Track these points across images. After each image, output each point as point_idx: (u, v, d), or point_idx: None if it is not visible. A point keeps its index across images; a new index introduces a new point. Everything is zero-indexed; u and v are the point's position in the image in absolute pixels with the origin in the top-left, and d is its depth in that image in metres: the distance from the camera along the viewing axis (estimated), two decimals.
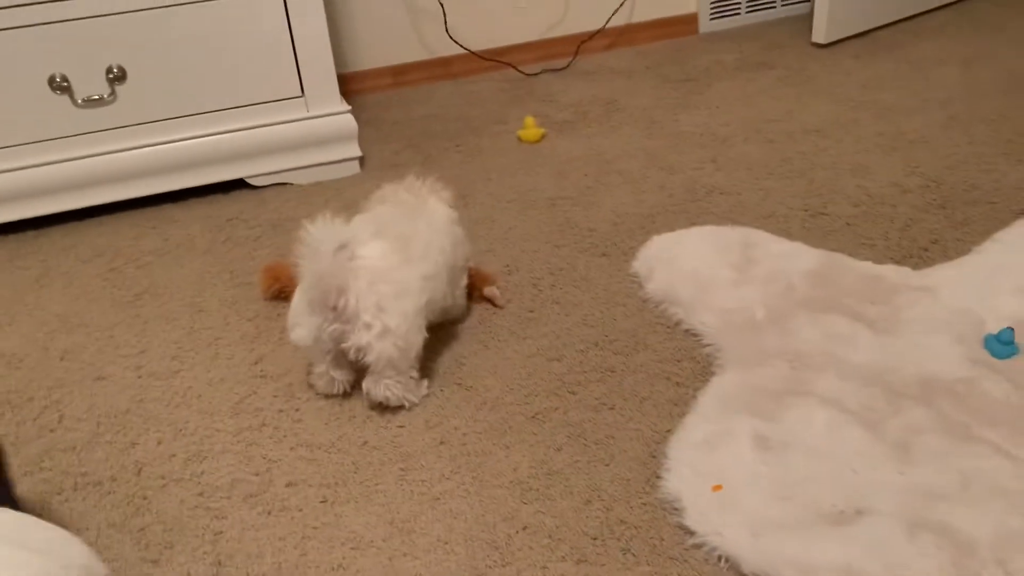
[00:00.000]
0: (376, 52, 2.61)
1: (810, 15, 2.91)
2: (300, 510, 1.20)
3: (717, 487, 1.14)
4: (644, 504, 1.17)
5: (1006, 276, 1.48)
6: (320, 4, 1.96)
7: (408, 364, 1.32)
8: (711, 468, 1.17)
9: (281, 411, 1.38)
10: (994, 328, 1.36)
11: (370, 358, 1.28)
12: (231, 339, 1.55)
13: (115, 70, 1.86)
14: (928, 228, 1.72)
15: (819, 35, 2.72)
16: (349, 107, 2.06)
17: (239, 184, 2.05)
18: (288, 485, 1.24)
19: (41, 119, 1.86)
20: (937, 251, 1.64)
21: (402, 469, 1.25)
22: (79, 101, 1.86)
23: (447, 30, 2.62)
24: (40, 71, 1.82)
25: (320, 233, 1.23)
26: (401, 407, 1.35)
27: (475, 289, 1.59)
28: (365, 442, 1.31)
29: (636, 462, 1.23)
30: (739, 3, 2.98)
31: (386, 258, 1.29)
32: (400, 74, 2.66)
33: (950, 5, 3.02)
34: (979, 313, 1.40)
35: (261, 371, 1.47)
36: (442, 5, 2.58)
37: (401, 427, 1.33)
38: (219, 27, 1.90)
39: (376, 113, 2.47)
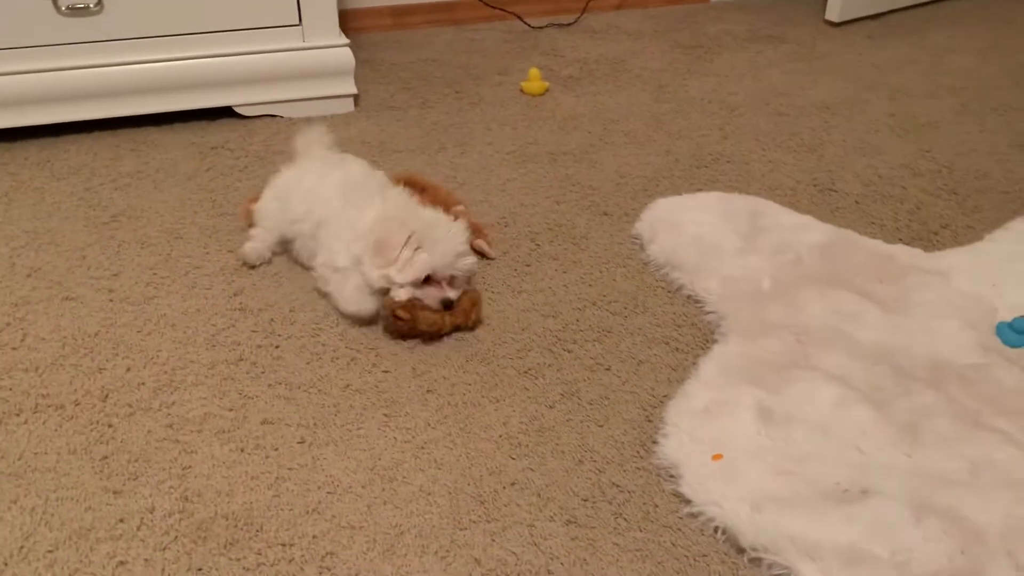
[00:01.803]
0: None
1: None
2: (275, 449, 1.13)
3: (717, 456, 1.09)
4: (639, 468, 1.11)
5: (1018, 265, 1.44)
6: None
7: None
8: (711, 437, 1.12)
9: (260, 346, 1.30)
10: (1007, 316, 1.32)
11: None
12: (210, 269, 1.47)
13: None
14: (938, 212, 1.68)
15: (832, 13, 2.65)
16: (348, 41, 1.97)
17: (226, 112, 1.95)
18: (264, 423, 1.17)
19: (20, 24, 1.74)
20: (947, 236, 1.60)
21: (386, 415, 1.19)
22: (63, 8, 1.75)
23: None
24: None
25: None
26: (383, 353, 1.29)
27: None
28: (348, 384, 1.24)
29: (631, 425, 1.18)
30: None
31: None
32: (401, 15, 2.55)
33: None
34: (991, 300, 1.36)
35: (240, 304, 1.39)
36: None
37: (386, 372, 1.27)
38: None
39: (373, 53, 2.37)
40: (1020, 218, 1.59)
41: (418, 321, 1.28)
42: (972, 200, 1.72)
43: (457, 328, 1.33)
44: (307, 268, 1.43)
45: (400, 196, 1.39)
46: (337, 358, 1.29)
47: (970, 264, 1.45)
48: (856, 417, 1.14)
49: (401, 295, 1.29)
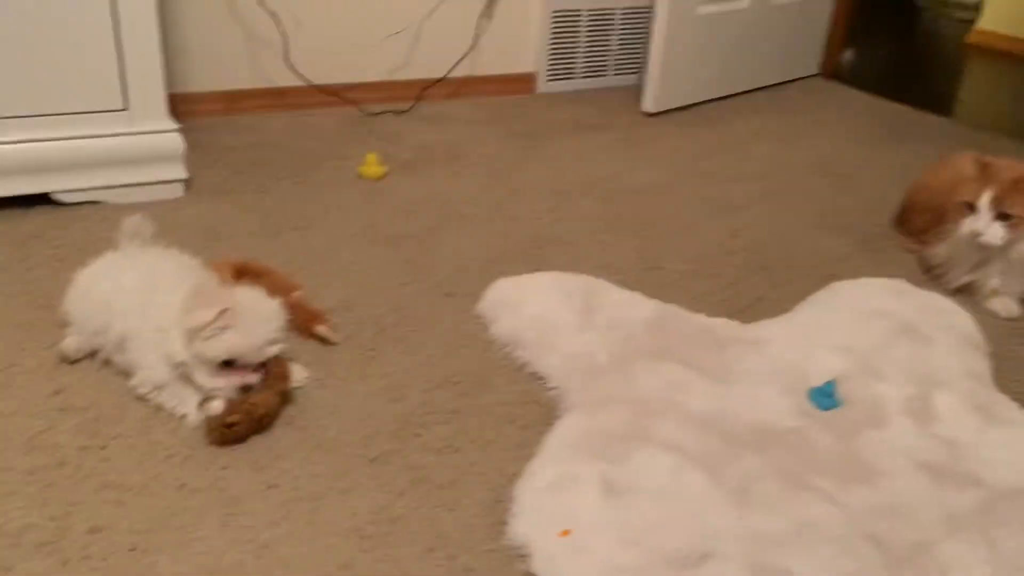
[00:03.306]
0: (208, 75, 2.47)
1: (640, 85, 3.07)
2: (104, 560, 1.05)
3: (565, 532, 1.12)
4: (490, 551, 1.12)
5: (824, 334, 1.58)
6: (153, 13, 1.82)
7: None
8: (559, 512, 1.14)
9: (84, 448, 1.22)
10: (817, 381, 1.44)
11: None
12: (27, 366, 1.36)
13: None
14: (752, 287, 1.82)
15: (648, 104, 2.86)
16: (178, 125, 1.92)
17: (44, 199, 1.84)
18: (91, 531, 1.08)
19: None
20: (761, 308, 1.74)
21: (226, 514, 1.14)
22: None
23: (287, 60, 2.53)
24: None
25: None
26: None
27: (303, 326, 1.51)
28: (183, 484, 1.18)
29: (482, 507, 1.19)
30: (574, 68, 3.10)
31: None
32: (233, 100, 2.53)
33: (764, 89, 3.29)
34: (803, 367, 1.48)
35: (62, 403, 1.29)
36: (284, 35, 2.49)
37: (225, 468, 1.21)
38: (35, 27, 1.72)
39: (205, 138, 2.33)
40: (822, 290, 1.75)
41: (251, 415, 1.24)
42: (780, 275, 1.88)
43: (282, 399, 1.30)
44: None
45: (212, 280, 1.34)
46: (171, 456, 1.22)
47: (783, 334, 1.58)
48: (692, 484, 1.20)
49: (216, 405, 1.24)
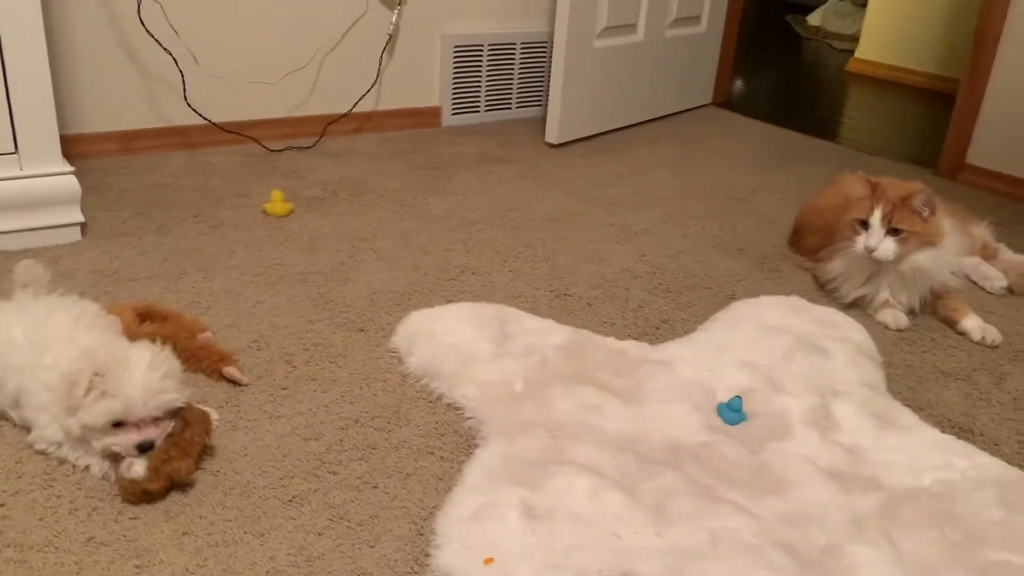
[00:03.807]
0: (103, 115, 2.41)
1: (543, 118, 3.14)
2: None
3: (489, 560, 1.12)
4: None
5: (728, 351, 1.64)
6: (42, 53, 1.77)
7: None
8: (481, 541, 1.15)
9: None
10: (724, 397, 1.50)
11: None
12: None
13: None
14: (658, 309, 1.88)
15: (551, 136, 2.93)
16: (72, 168, 1.86)
17: None
18: None
19: None
20: (667, 329, 1.79)
21: (137, 567, 1.09)
22: None
23: (186, 98, 2.49)
24: None
25: None
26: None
27: (212, 368, 1.47)
28: (91, 538, 1.13)
29: (403, 541, 1.18)
30: (478, 101, 3.14)
31: None
32: (129, 140, 2.46)
33: (660, 119, 3.40)
34: (710, 384, 1.54)
35: None
36: (182, 73, 2.45)
37: (134, 519, 1.17)
38: None
39: (101, 179, 2.26)
40: (724, 310, 1.82)
41: (172, 481, 1.21)
42: (684, 296, 1.94)
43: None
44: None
45: (91, 334, 1.28)
46: (76, 509, 1.18)
47: (689, 353, 1.63)
48: (610, 504, 1.22)
49: (137, 469, 1.18)
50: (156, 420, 1.20)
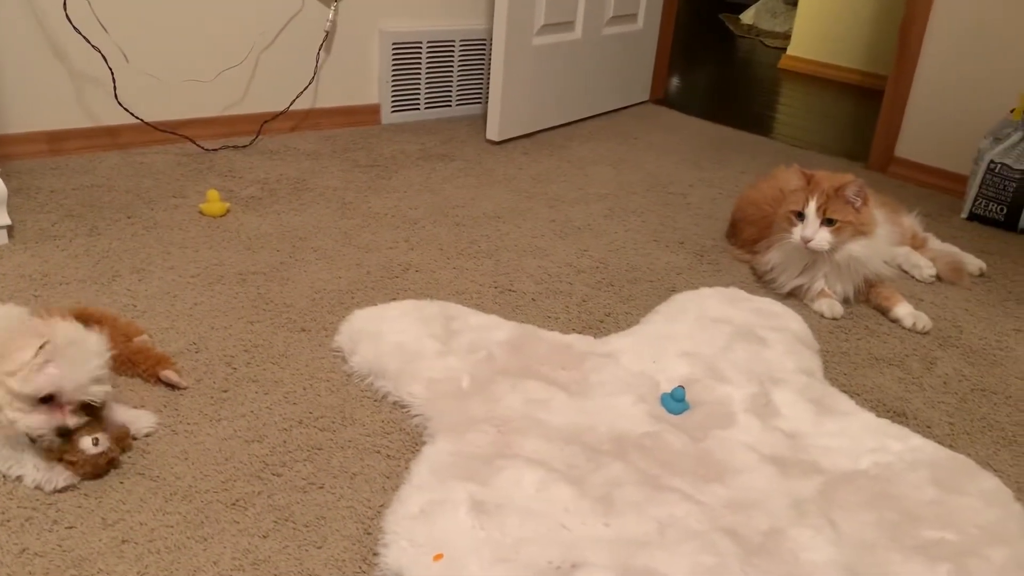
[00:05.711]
0: (29, 115, 2.32)
1: (483, 115, 3.14)
2: None
3: (438, 556, 1.11)
4: None
5: (670, 342, 1.66)
6: None
7: None
8: (430, 538, 1.14)
9: None
10: (667, 388, 1.51)
11: None
12: None
13: None
14: (601, 303, 1.89)
15: (492, 133, 2.93)
16: None
17: None
18: None
19: None
20: (611, 323, 1.81)
21: None
22: None
23: (116, 97, 2.42)
24: None
25: None
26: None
27: (149, 371, 1.44)
28: (24, 549, 1.09)
29: (351, 541, 1.16)
30: (418, 99, 3.12)
31: None
32: (57, 140, 2.38)
33: (599, 116, 3.43)
34: (653, 375, 1.55)
35: None
36: (112, 71, 2.38)
37: (71, 528, 1.14)
38: None
39: (28, 181, 2.18)
40: (665, 302, 1.84)
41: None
42: (626, 290, 1.96)
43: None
44: None
45: (35, 320, 1.26)
46: (7, 520, 1.13)
47: (632, 345, 1.65)
48: (558, 496, 1.23)
49: (103, 441, 1.19)
50: (78, 407, 1.19)
